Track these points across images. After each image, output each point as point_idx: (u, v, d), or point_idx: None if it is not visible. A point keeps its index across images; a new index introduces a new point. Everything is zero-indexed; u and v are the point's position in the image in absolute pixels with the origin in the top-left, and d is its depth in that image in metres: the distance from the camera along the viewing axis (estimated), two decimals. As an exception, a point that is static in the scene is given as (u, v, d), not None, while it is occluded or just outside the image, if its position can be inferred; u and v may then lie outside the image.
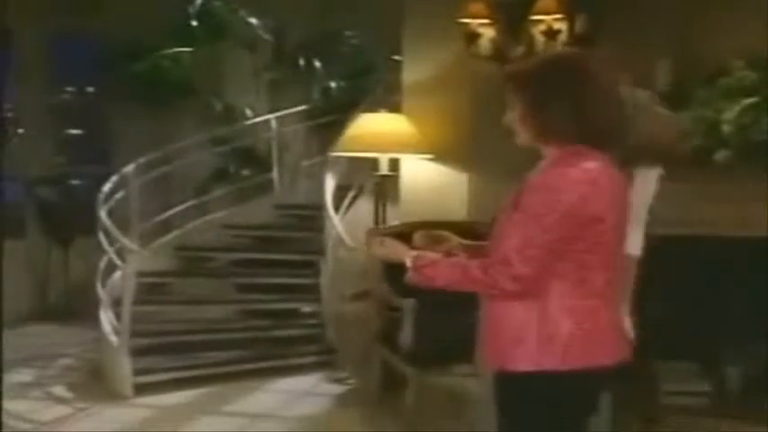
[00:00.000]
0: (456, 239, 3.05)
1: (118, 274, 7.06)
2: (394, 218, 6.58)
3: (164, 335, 7.30)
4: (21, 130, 9.30)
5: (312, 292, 7.43)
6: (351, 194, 7.74)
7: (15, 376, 6.70)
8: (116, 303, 6.81)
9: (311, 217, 8.08)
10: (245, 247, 8.57)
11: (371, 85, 9.14)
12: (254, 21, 10.15)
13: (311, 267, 7.52)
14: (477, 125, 5.88)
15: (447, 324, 4.84)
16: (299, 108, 9.76)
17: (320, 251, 7.36)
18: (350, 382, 6.62)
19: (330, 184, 7.38)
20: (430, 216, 5.74)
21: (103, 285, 7.11)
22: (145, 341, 6.86)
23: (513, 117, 2.76)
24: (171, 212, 8.56)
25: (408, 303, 5.36)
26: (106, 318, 6.84)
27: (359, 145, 6.57)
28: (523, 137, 2.76)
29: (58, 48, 9.89)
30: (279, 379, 6.79)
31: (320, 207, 7.35)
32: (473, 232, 3.19)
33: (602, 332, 2.68)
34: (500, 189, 2.97)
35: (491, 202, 3.42)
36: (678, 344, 5.12)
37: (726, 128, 4.98)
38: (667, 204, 3.71)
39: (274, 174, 9.24)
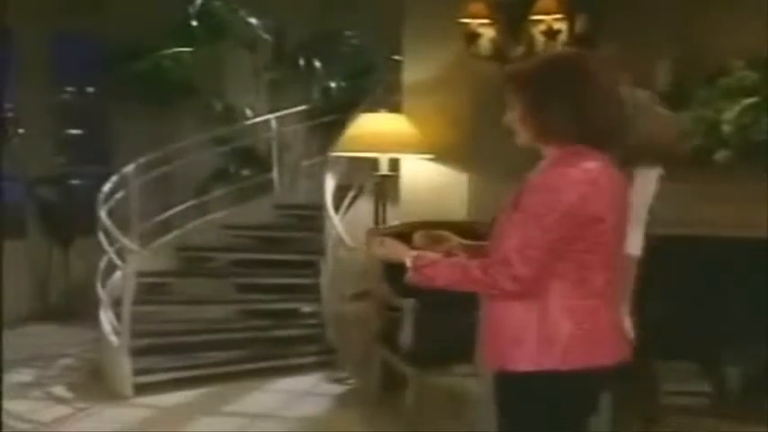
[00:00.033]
0: (456, 239, 3.05)
1: (118, 274, 7.06)
2: (394, 218, 6.58)
3: (164, 335, 7.30)
4: (21, 130, 9.30)
5: (312, 292, 7.42)
6: (351, 194, 7.74)
7: (15, 376, 6.71)
8: (116, 303, 6.80)
9: (311, 217, 8.07)
10: (245, 247, 8.56)
11: (371, 85, 9.14)
12: (254, 21, 10.15)
13: (311, 267, 7.52)
14: (477, 125, 5.88)
15: (447, 324, 4.84)
16: (300, 108, 9.75)
17: (320, 251, 7.36)
18: (350, 382, 6.62)
19: (330, 184, 7.38)
20: (430, 216, 5.74)
21: (104, 285, 7.11)
22: (145, 341, 6.85)
23: (513, 117, 2.76)
24: (171, 212, 8.56)
25: (408, 303, 5.36)
26: (106, 318, 6.84)
27: (359, 145, 6.57)
28: (523, 137, 2.76)
29: (59, 48, 9.88)
30: (279, 379, 6.79)
31: (320, 207, 7.35)
32: (473, 232, 3.19)
33: (602, 332, 2.68)
34: (500, 189, 2.97)
35: (491, 202, 3.42)
36: (678, 344, 5.12)
37: (726, 128, 4.98)
38: (667, 204, 3.71)
39: (274, 174, 9.23)
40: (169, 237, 8.38)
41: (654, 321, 4.45)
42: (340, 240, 6.86)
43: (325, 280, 7.27)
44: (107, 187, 7.42)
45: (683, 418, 4.88)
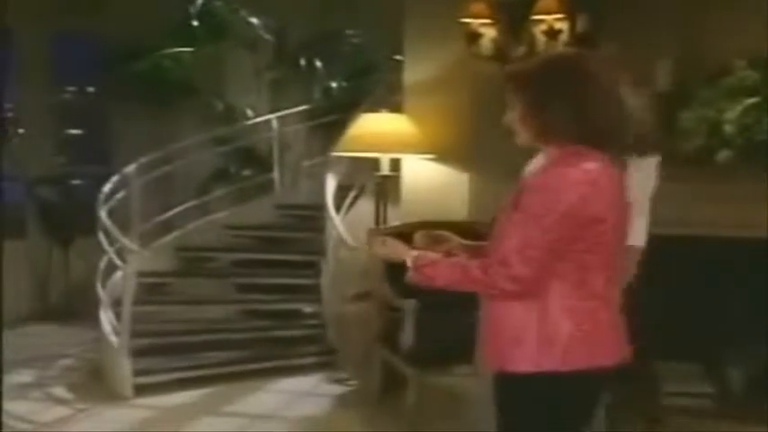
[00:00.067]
0: (456, 240, 3.05)
1: (118, 275, 7.05)
2: (395, 218, 6.57)
3: (164, 335, 7.28)
4: (21, 130, 9.28)
5: (313, 293, 7.41)
6: (352, 194, 7.73)
7: (15, 377, 6.69)
8: (116, 304, 6.79)
9: (312, 217, 8.06)
10: (245, 247, 8.55)
11: (372, 85, 9.13)
12: (254, 20, 10.12)
13: (312, 268, 7.51)
14: (478, 125, 5.87)
15: (447, 325, 4.84)
16: (300, 108, 9.73)
17: (321, 251, 7.35)
18: (350, 382, 6.61)
19: (331, 184, 7.37)
20: (431, 216, 5.73)
21: (104, 286, 7.09)
22: (145, 342, 6.83)
23: (514, 117, 2.75)
24: (171, 213, 8.54)
25: (409, 304, 5.35)
26: (106, 318, 6.83)
27: (360, 145, 6.56)
28: (524, 137, 2.76)
29: (59, 48, 9.86)
30: (279, 379, 6.77)
31: (321, 207, 7.33)
32: (474, 232, 3.19)
33: (602, 333, 2.68)
34: (501, 189, 2.96)
35: (492, 202, 3.41)
36: (679, 344, 5.12)
37: (728, 128, 4.97)
38: (667, 204, 3.70)
39: (275, 174, 9.22)
40: (169, 237, 8.37)
41: (654, 322, 4.45)
42: (341, 241, 6.85)
43: (325, 280, 7.26)
44: (107, 187, 7.40)
45: (684, 419, 4.87)
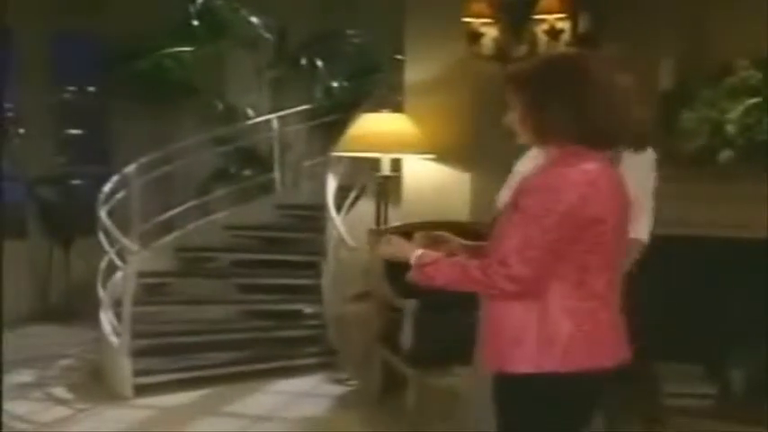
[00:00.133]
0: (456, 240, 3.05)
1: (119, 275, 7.04)
2: (396, 218, 6.55)
3: (164, 336, 7.27)
4: (21, 130, 9.29)
5: (314, 293, 7.40)
6: (352, 195, 7.72)
7: (15, 377, 6.69)
8: (117, 304, 6.79)
9: (313, 217, 8.05)
10: (246, 247, 8.54)
11: (373, 85, 9.12)
12: (255, 20, 10.12)
13: (313, 268, 7.49)
14: (479, 125, 5.87)
15: (447, 325, 4.83)
16: (301, 108, 9.73)
17: (322, 252, 7.34)
18: (351, 383, 6.60)
19: (332, 184, 7.36)
20: (432, 216, 5.73)
21: (104, 286, 7.09)
22: (145, 342, 6.83)
23: (514, 117, 2.74)
24: (172, 213, 8.54)
25: (409, 304, 5.34)
26: (106, 318, 6.82)
27: (361, 145, 6.55)
28: (524, 137, 2.75)
29: (59, 47, 9.85)
30: (279, 380, 6.77)
31: (322, 207, 7.32)
32: (474, 233, 3.18)
33: (602, 333, 2.68)
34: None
35: (493, 203, 3.41)
36: (679, 345, 5.10)
37: (730, 128, 4.95)
38: (668, 204, 3.68)
39: (276, 174, 9.22)
40: (170, 237, 8.36)
41: (654, 322, 4.44)
42: (341, 241, 6.84)
43: (326, 281, 7.25)
44: (107, 187, 7.39)
45: (684, 420, 4.85)
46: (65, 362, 7.50)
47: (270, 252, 8.34)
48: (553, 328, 2.61)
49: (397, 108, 6.73)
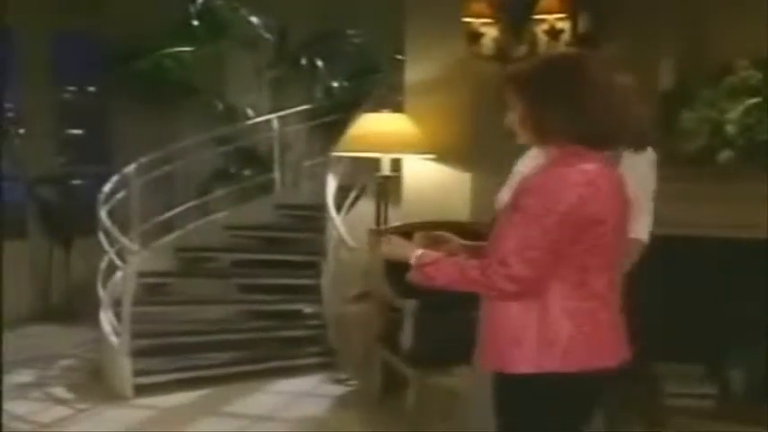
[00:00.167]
0: (456, 240, 3.04)
1: (119, 275, 7.03)
2: (396, 218, 6.55)
3: (164, 336, 7.26)
4: (21, 130, 9.29)
5: (314, 293, 7.39)
6: (352, 195, 7.72)
7: (16, 377, 6.70)
8: (117, 304, 6.78)
9: (313, 217, 8.05)
10: (245, 247, 8.53)
11: (374, 85, 9.11)
12: (255, 20, 10.11)
13: (313, 268, 7.49)
14: (479, 125, 5.86)
15: (448, 325, 4.82)
16: (301, 108, 9.72)
17: (321, 252, 7.33)
18: (351, 383, 6.60)
19: (332, 184, 7.35)
20: (432, 216, 5.72)
21: (104, 286, 7.08)
22: (145, 342, 6.82)
23: (514, 118, 2.74)
24: (172, 213, 8.54)
25: (409, 304, 5.34)
26: (107, 318, 6.82)
27: (361, 145, 6.54)
28: (524, 137, 2.75)
29: (59, 47, 9.85)
30: (279, 380, 6.77)
31: (322, 207, 7.32)
32: (475, 233, 3.17)
33: (602, 334, 2.68)
34: (503, 189, 2.95)
35: (493, 203, 3.41)
36: (680, 345, 5.10)
37: (730, 128, 4.95)
38: (668, 204, 3.68)
39: (276, 174, 9.21)
40: (170, 237, 8.35)
41: (655, 322, 4.44)
42: (341, 241, 6.84)
43: (326, 281, 7.24)
44: (108, 187, 7.39)
45: (685, 420, 4.85)
46: (65, 362, 7.49)
47: (270, 252, 8.34)
48: (553, 329, 2.60)
49: (397, 108, 6.73)
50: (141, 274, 6.94)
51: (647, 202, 3.55)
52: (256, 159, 9.87)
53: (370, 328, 6.07)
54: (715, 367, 5.17)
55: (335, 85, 10.40)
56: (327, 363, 6.95)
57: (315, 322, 7.39)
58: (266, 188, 9.28)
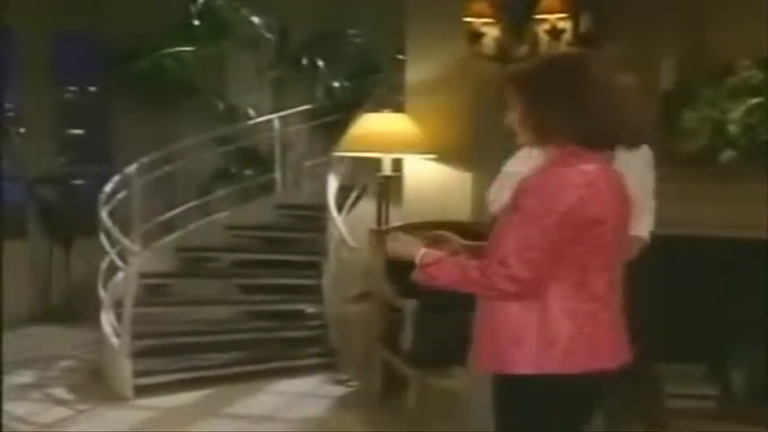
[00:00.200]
0: (457, 240, 3.03)
1: (120, 276, 7.02)
2: (397, 218, 6.54)
3: (164, 336, 7.25)
4: (22, 130, 9.29)
5: (315, 293, 7.39)
6: (354, 195, 7.71)
7: (16, 378, 6.69)
8: (117, 305, 6.78)
9: (314, 217, 8.04)
10: (247, 247, 8.52)
11: (375, 85, 9.10)
12: (256, 19, 10.11)
13: (313, 268, 7.49)
14: (480, 125, 5.85)
15: (448, 325, 4.79)
16: (302, 108, 9.71)
17: (322, 252, 7.32)
18: (351, 383, 6.59)
19: (333, 184, 7.34)
20: (433, 216, 5.72)
21: (105, 286, 7.07)
22: (145, 343, 6.82)
23: (514, 118, 2.73)
24: (173, 213, 8.53)
25: (410, 305, 5.34)
26: (107, 319, 6.81)
27: (362, 145, 6.54)
28: (524, 138, 2.74)
29: (59, 47, 9.85)
30: (280, 380, 6.76)
31: (323, 208, 7.31)
32: (475, 232, 3.17)
33: (602, 334, 2.67)
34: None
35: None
36: (680, 346, 5.09)
37: (731, 128, 4.94)
38: (669, 205, 3.67)
39: (277, 174, 9.21)
40: (171, 237, 8.34)
41: (655, 323, 4.43)
42: (342, 241, 6.83)
43: (327, 281, 7.24)
44: (108, 187, 7.38)
45: (685, 421, 4.85)
46: (65, 363, 7.49)
47: (271, 252, 8.33)
48: (553, 329, 2.60)
49: (398, 108, 6.72)
50: (142, 275, 6.93)
51: (648, 201, 3.55)
52: (257, 159, 9.87)
53: (371, 328, 6.07)
54: (716, 368, 5.16)
55: (336, 84, 10.40)
56: (328, 363, 6.95)
57: (316, 323, 7.38)
58: (267, 188, 9.27)
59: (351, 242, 6.68)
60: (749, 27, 5.09)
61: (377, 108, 6.97)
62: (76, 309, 8.83)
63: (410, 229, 3.55)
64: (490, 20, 5.84)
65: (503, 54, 5.77)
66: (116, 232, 6.84)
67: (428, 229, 3.07)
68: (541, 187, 2.58)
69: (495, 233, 2.67)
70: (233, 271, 8.46)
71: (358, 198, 7.70)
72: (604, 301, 2.66)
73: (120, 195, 7.45)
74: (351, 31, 10.39)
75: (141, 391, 6.39)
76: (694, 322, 5.16)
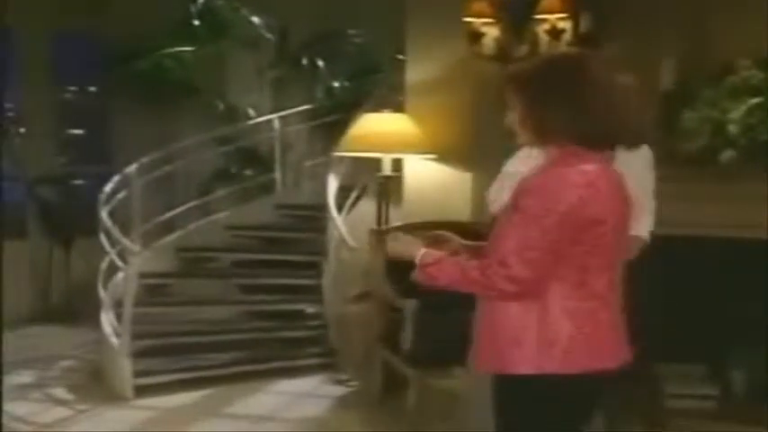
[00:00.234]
0: (457, 240, 3.03)
1: (120, 276, 7.02)
2: (397, 218, 6.54)
3: (165, 336, 7.25)
4: (22, 130, 9.28)
5: (315, 293, 7.38)
6: (354, 195, 7.71)
7: (16, 378, 6.69)
8: (118, 305, 6.77)
9: (314, 217, 8.04)
10: (247, 247, 8.52)
11: (375, 85, 9.10)
12: (256, 19, 10.11)
13: (313, 268, 7.48)
14: (480, 125, 5.85)
15: (448, 325, 4.79)
16: (302, 108, 9.71)
17: (322, 252, 7.32)
18: (351, 383, 6.59)
19: (333, 184, 7.34)
20: (433, 216, 5.71)
21: (105, 286, 7.07)
22: (145, 343, 6.81)
23: (514, 118, 2.73)
24: (173, 213, 8.53)
25: (410, 305, 5.33)
26: (107, 319, 6.81)
27: (362, 145, 6.54)
28: (524, 138, 2.73)
29: (59, 47, 9.85)
30: (281, 380, 6.76)
31: (323, 208, 7.31)
32: (475, 232, 3.17)
33: (602, 334, 2.67)
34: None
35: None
36: (680, 346, 5.09)
37: (732, 128, 4.94)
38: (669, 205, 3.67)
39: (277, 174, 9.21)
40: (171, 237, 8.34)
41: (656, 323, 4.42)
42: (342, 241, 6.83)
43: (327, 281, 7.24)
44: (108, 187, 7.38)
45: (685, 421, 4.85)
46: (65, 363, 7.49)
47: (271, 252, 8.33)
48: (553, 329, 2.59)
49: (398, 108, 6.72)
50: (142, 275, 6.93)
51: (649, 201, 3.55)
52: (257, 159, 9.87)
53: (371, 328, 6.06)
54: (716, 368, 5.16)
55: (336, 84, 10.40)
56: (328, 363, 6.94)
57: (316, 323, 7.38)
58: (267, 188, 9.27)
59: (351, 242, 6.68)
60: (749, 27, 5.08)
61: (377, 108, 6.97)
62: (76, 309, 8.83)
63: (410, 229, 3.54)
64: (490, 20, 5.84)
65: (503, 54, 5.76)
66: (116, 232, 6.84)
67: (428, 229, 3.07)
68: (541, 187, 2.58)
69: (495, 233, 2.67)
70: (233, 271, 8.46)
71: (358, 198, 7.69)
72: (604, 300, 2.66)
73: (120, 195, 7.45)
74: (351, 31, 10.39)
75: (141, 391, 6.39)
76: (694, 322, 5.16)
